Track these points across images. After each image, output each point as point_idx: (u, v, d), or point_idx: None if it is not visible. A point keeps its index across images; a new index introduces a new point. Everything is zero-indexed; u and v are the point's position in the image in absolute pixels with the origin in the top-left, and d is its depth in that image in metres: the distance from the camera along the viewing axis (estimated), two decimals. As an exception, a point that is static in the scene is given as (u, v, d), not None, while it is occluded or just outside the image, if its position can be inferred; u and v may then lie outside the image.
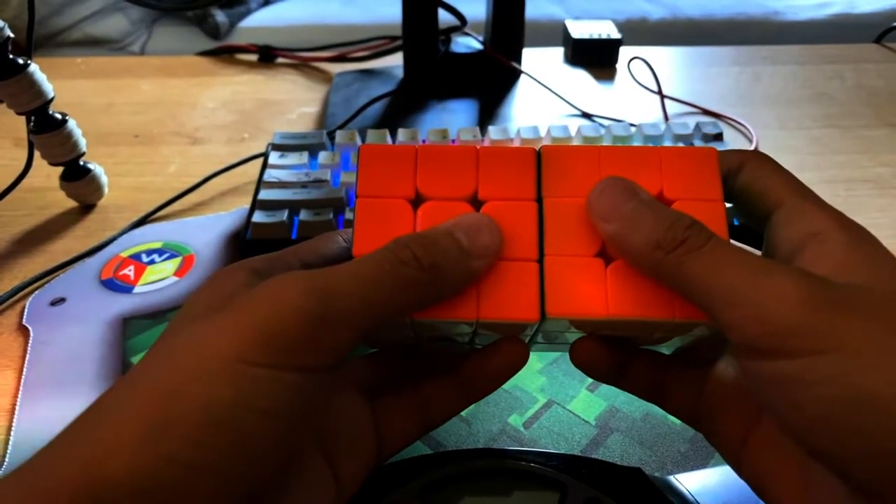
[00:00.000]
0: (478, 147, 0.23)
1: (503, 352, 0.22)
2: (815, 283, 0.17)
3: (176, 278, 0.39)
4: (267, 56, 0.70)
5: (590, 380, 0.32)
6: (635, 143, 0.46)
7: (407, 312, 0.20)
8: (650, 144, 0.45)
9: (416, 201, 0.22)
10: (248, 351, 0.17)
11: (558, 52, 0.71)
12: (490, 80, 0.61)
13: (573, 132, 0.46)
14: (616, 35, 0.68)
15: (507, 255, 0.21)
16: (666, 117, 0.57)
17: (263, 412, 0.16)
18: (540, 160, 0.22)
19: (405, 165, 0.22)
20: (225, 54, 0.71)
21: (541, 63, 0.66)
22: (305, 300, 0.17)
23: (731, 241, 0.19)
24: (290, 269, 0.21)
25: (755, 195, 0.22)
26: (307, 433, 0.21)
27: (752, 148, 0.52)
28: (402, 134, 0.46)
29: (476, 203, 0.22)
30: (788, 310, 0.16)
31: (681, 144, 0.46)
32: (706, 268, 0.18)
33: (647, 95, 0.61)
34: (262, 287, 0.18)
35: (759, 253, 0.20)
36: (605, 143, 0.45)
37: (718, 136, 0.46)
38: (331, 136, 0.47)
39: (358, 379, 0.24)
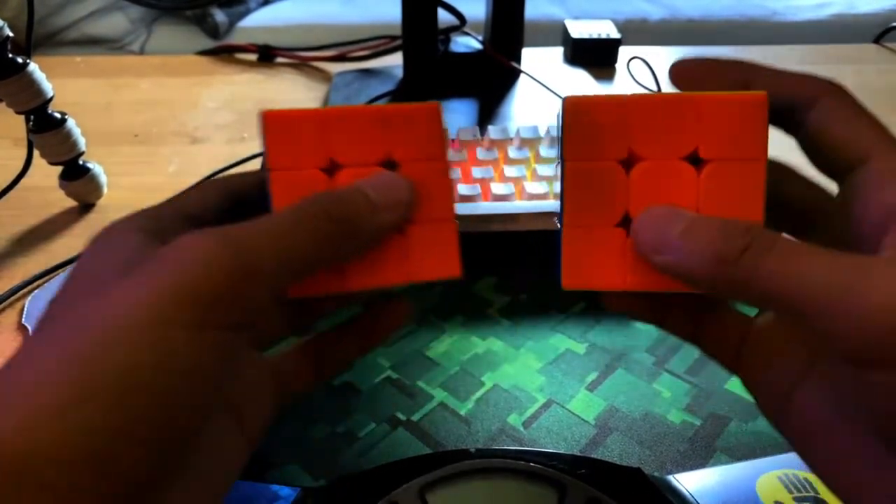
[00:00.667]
0: (385, 105, 0.22)
1: (391, 309, 0.25)
2: None
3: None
4: (266, 56, 0.70)
5: (589, 379, 0.32)
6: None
7: (324, 265, 0.21)
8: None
9: (331, 169, 0.22)
10: (169, 312, 0.16)
11: (558, 51, 0.71)
12: (490, 80, 0.61)
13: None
14: (615, 35, 0.68)
15: (425, 216, 0.22)
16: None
17: (186, 373, 0.16)
18: (563, 113, 0.20)
19: (314, 131, 0.22)
20: (224, 54, 0.71)
21: (540, 63, 0.66)
22: (223, 257, 0.17)
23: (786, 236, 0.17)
24: (178, 223, 0.21)
25: (831, 142, 0.18)
26: (226, 390, 0.21)
27: None
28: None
29: (391, 166, 0.22)
30: (887, 316, 0.15)
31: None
32: (785, 271, 0.16)
33: (646, 95, 0.61)
34: (174, 246, 0.18)
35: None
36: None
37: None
38: (330, 135, 0.47)
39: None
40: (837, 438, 0.19)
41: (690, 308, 0.23)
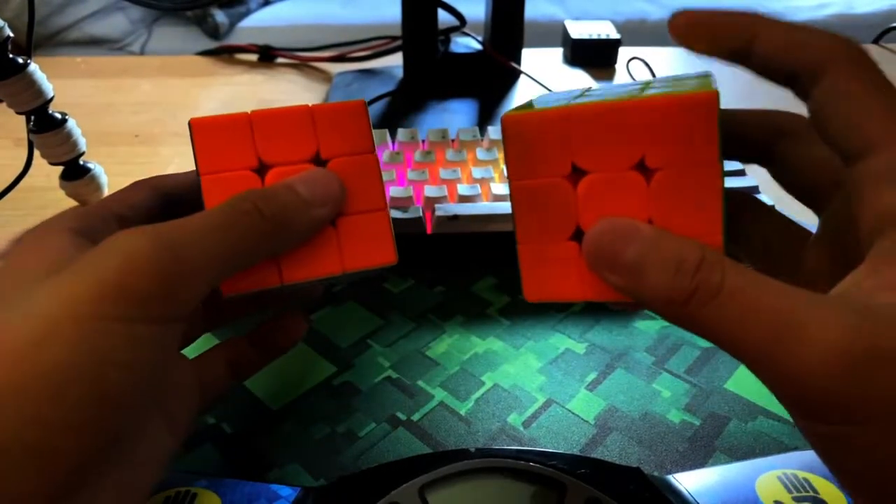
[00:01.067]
0: (311, 106, 0.23)
1: (286, 324, 0.27)
2: (858, 331, 0.14)
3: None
4: (267, 56, 0.70)
5: (589, 379, 0.32)
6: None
7: (256, 260, 0.22)
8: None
9: (261, 169, 0.23)
10: (104, 307, 0.17)
11: (557, 52, 0.71)
12: (489, 80, 0.61)
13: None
14: (615, 35, 0.68)
15: (357, 208, 0.23)
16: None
17: (121, 365, 0.17)
18: (503, 132, 0.20)
19: (242, 134, 0.23)
20: (225, 54, 0.71)
21: (540, 63, 0.66)
22: (156, 252, 0.18)
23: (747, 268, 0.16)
24: (108, 222, 0.22)
25: (835, 125, 0.16)
26: (158, 383, 0.21)
27: None
28: (401, 134, 0.46)
29: (320, 163, 0.23)
30: (818, 375, 0.14)
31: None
32: (725, 323, 0.15)
33: (646, 96, 0.61)
34: (108, 243, 0.18)
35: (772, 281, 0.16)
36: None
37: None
38: (330, 136, 0.47)
39: None
40: None
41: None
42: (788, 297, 0.15)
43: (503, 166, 0.42)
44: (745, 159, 0.22)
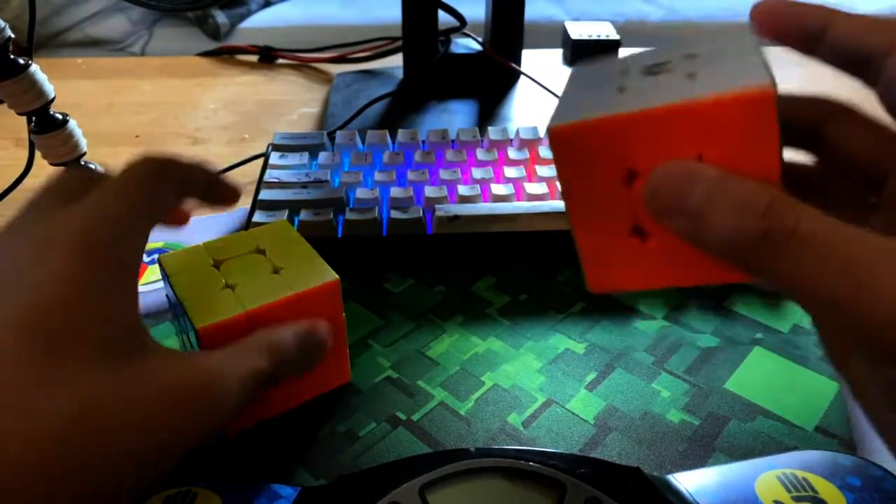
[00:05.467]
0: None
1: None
2: None
3: (176, 278, 0.39)
4: (267, 57, 0.70)
5: (589, 379, 0.32)
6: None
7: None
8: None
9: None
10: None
11: (557, 53, 0.71)
12: (489, 81, 0.61)
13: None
14: (615, 36, 0.68)
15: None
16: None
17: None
18: (551, 144, 0.19)
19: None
20: (225, 55, 0.71)
21: (540, 64, 0.66)
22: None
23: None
24: (141, 233, 0.23)
25: (855, 162, 0.18)
26: None
27: None
28: (401, 135, 0.46)
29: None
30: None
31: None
32: (799, 268, 0.15)
33: (646, 96, 0.61)
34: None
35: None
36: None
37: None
38: (331, 136, 0.47)
39: None
40: None
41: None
42: (866, 243, 0.15)
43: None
44: (793, 145, 0.21)
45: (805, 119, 0.20)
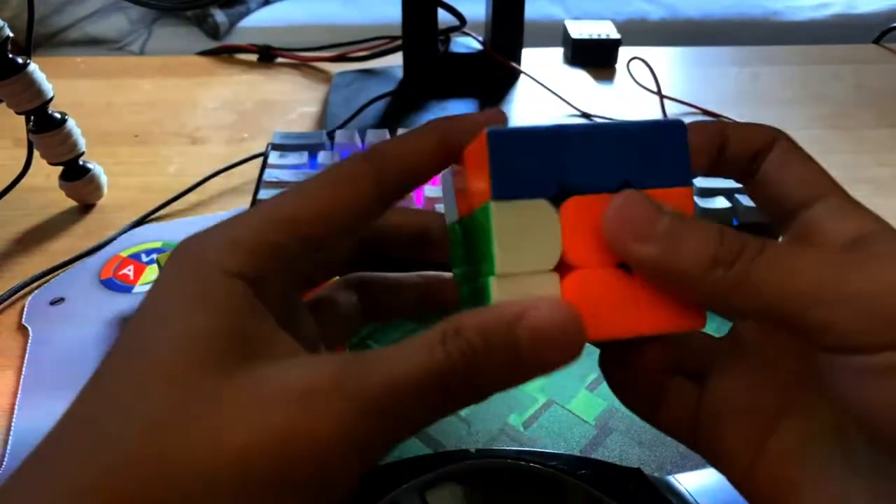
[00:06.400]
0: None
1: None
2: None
3: (175, 278, 0.39)
4: (267, 56, 0.70)
5: (589, 380, 0.32)
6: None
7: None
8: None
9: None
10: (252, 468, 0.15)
11: (558, 52, 0.71)
12: (489, 80, 0.61)
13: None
14: (615, 35, 0.68)
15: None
16: (665, 117, 0.57)
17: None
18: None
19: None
20: (225, 54, 0.71)
21: (540, 63, 0.66)
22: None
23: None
24: (284, 251, 0.18)
25: (790, 180, 0.20)
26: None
27: None
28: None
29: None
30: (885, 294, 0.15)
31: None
32: (779, 272, 0.16)
33: (646, 96, 0.61)
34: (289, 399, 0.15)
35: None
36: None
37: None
38: (330, 136, 0.47)
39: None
40: (823, 490, 0.18)
41: (649, 382, 0.20)
42: (832, 251, 0.17)
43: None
44: (729, 174, 0.21)
45: (750, 148, 0.20)
